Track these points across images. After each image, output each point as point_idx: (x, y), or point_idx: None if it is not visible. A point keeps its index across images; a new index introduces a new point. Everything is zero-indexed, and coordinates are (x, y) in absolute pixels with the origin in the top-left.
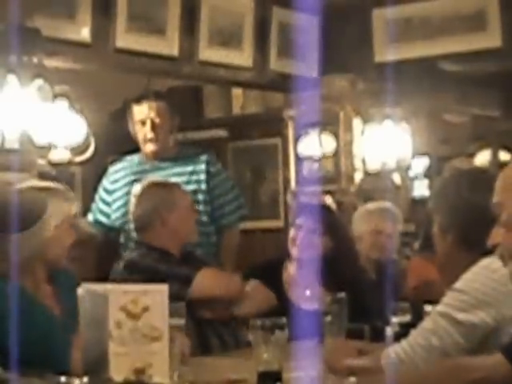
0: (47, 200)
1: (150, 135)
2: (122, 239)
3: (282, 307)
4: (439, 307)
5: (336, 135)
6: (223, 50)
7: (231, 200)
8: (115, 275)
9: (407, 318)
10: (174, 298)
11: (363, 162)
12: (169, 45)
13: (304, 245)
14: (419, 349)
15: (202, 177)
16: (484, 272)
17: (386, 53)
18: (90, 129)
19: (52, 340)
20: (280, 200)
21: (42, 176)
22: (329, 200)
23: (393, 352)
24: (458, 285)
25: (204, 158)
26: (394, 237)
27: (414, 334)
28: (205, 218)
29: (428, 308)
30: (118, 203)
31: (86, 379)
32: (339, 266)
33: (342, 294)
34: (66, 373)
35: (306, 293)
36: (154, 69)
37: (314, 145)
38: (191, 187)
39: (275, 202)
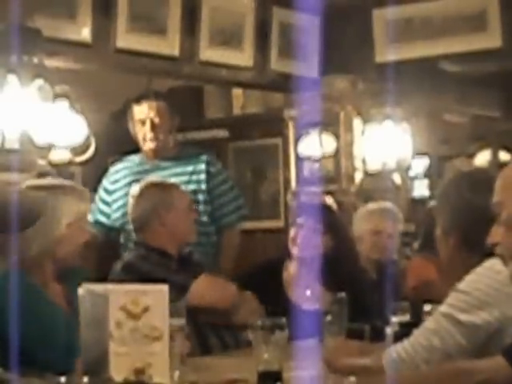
0: (48, 199)
1: (150, 135)
2: (122, 239)
3: (283, 307)
4: (442, 308)
5: (336, 135)
6: (224, 50)
7: (231, 200)
8: (113, 276)
9: (407, 317)
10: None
11: (363, 162)
12: (169, 45)
13: (304, 245)
14: (420, 349)
15: (203, 177)
16: (487, 273)
17: (387, 53)
18: (91, 129)
19: (58, 338)
20: (280, 200)
21: (43, 176)
22: (330, 200)
23: (394, 352)
24: (462, 286)
25: (204, 158)
26: (394, 237)
27: (416, 334)
28: (205, 218)
29: (427, 308)
30: (119, 203)
31: (86, 379)
32: (339, 266)
33: (343, 294)
34: (70, 372)
35: (307, 293)
36: (154, 69)
37: (314, 145)
38: (191, 187)
39: (276, 202)
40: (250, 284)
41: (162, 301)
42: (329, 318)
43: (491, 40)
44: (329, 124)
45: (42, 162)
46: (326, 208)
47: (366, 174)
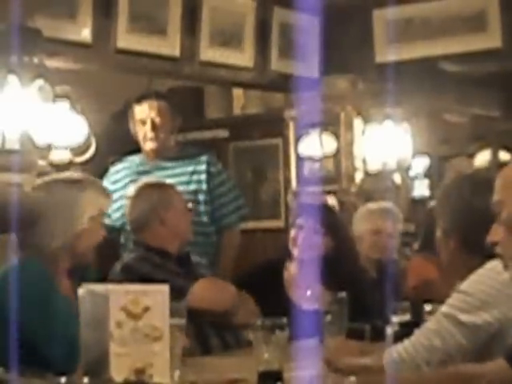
0: (48, 199)
1: (151, 134)
2: (122, 239)
3: (283, 307)
4: (443, 308)
5: (337, 135)
6: (224, 51)
7: (231, 200)
8: (113, 277)
9: (407, 317)
10: None
11: (364, 162)
12: (170, 45)
13: (305, 245)
14: (421, 349)
15: (203, 177)
16: (489, 274)
17: (387, 53)
18: (91, 129)
19: (67, 333)
20: (281, 200)
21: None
22: (332, 201)
23: (395, 351)
24: (463, 286)
25: (205, 158)
26: (394, 237)
27: (417, 334)
28: (205, 219)
29: (428, 307)
30: (119, 203)
31: (86, 379)
32: (340, 266)
33: (343, 294)
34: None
35: (307, 293)
36: (154, 69)
37: (314, 145)
38: (192, 187)
39: (276, 202)
40: (250, 284)
41: (163, 301)
42: (329, 317)
43: (491, 40)
44: (329, 124)
45: (42, 162)
46: (326, 208)
47: (367, 173)
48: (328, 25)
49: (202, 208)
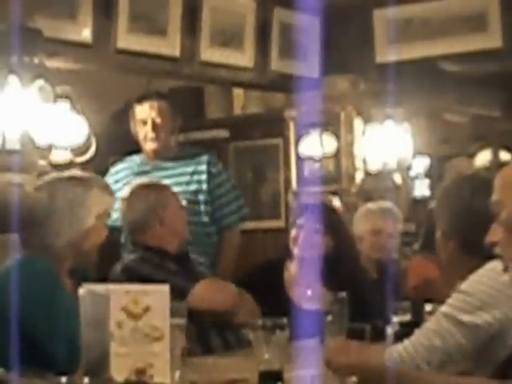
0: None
1: (151, 135)
2: (122, 239)
3: (283, 307)
4: (443, 308)
5: (337, 135)
6: (224, 51)
7: (232, 200)
8: (113, 277)
9: (408, 317)
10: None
11: (364, 162)
12: (170, 45)
13: (305, 244)
14: (421, 349)
15: (203, 177)
16: (489, 274)
17: (387, 53)
18: (91, 129)
19: (70, 332)
20: (281, 200)
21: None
22: (335, 201)
23: (395, 351)
24: (464, 286)
25: (205, 158)
26: (394, 236)
27: (417, 334)
28: (205, 219)
29: (428, 307)
30: (119, 203)
31: (86, 380)
32: (340, 266)
33: (343, 294)
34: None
35: (307, 292)
36: (155, 69)
37: (315, 145)
38: (192, 187)
39: (276, 202)
40: (251, 284)
41: (163, 301)
42: (329, 317)
43: (491, 40)
44: (329, 124)
45: (42, 162)
46: (326, 208)
47: (367, 173)
48: (328, 25)
49: (202, 208)
